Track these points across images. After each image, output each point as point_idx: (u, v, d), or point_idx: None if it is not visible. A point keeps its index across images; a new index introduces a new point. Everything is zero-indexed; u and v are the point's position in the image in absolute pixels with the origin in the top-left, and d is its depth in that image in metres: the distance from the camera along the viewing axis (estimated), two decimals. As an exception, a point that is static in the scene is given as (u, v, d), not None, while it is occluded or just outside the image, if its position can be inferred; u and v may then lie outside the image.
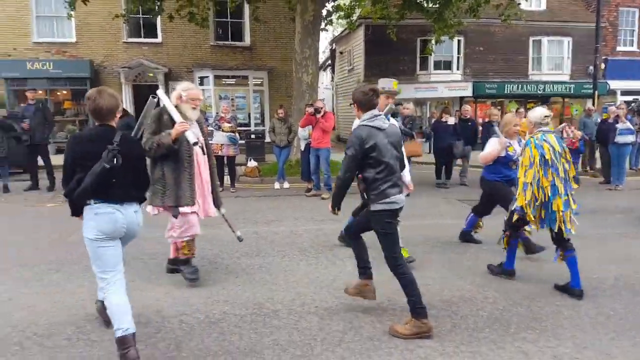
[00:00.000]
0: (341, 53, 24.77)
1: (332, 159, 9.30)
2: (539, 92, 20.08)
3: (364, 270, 3.79)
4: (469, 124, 10.61)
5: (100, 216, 2.97)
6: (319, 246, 5.58)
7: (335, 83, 26.96)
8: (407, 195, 4.20)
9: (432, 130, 11.01)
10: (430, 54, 17.63)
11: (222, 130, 9.10)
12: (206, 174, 4.33)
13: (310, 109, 8.94)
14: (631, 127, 10.11)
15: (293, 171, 10.91)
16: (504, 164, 5.13)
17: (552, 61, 20.72)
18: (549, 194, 3.97)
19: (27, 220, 7.05)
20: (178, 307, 3.79)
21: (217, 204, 4.41)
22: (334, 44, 26.96)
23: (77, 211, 3.09)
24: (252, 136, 15.14)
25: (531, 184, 4.01)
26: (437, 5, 13.04)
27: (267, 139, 12.73)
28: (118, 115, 3.39)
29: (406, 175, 4.39)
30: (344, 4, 14.86)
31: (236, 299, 3.98)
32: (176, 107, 4.08)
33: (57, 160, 11.42)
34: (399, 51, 18.72)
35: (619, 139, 9.90)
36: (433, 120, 13.81)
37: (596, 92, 15.21)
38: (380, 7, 13.61)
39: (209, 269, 4.73)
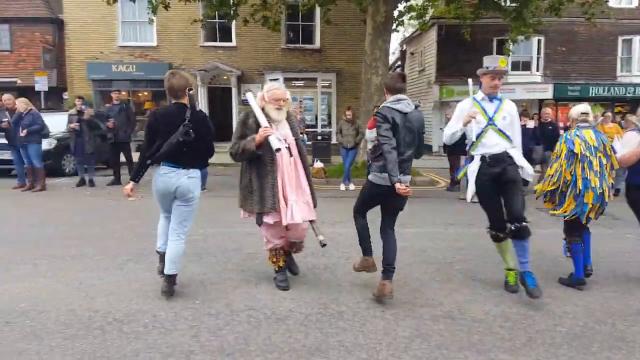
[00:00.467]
0: (412, 54, 24.40)
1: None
2: (628, 94, 18.72)
3: (368, 248, 4.21)
4: (550, 127, 10.03)
5: (160, 177, 3.82)
6: (386, 249, 5.49)
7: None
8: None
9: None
10: (508, 55, 16.92)
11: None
12: (294, 178, 4.02)
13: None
14: None
15: (359, 173, 10.87)
16: None
17: (644, 62, 19.25)
18: (580, 187, 4.06)
19: (110, 212, 7.53)
20: (246, 302, 3.88)
21: (314, 204, 4.18)
22: (404, 45, 26.61)
23: (137, 177, 3.94)
24: (319, 137, 15.30)
25: (552, 175, 4.23)
26: (516, 4, 12.49)
27: (334, 141, 12.81)
28: (189, 92, 3.90)
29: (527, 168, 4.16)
30: (417, 5, 14.62)
31: (302, 298, 4.01)
32: (263, 109, 3.93)
33: (137, 158, 12.13)
34: (474, 51, 18.10)
35: None
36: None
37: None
38: (455, 7, 13.26)
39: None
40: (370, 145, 9.44)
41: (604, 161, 4.12)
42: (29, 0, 18.95)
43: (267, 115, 3.89)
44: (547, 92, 18.87)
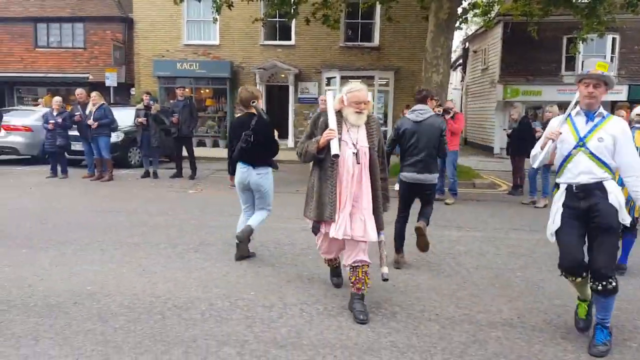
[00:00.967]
0: (475, 52, 23.68)
1: (458, 162, 8.91)
2: None
3: (402, 246, 4.90)
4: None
5: (238, 172, 4.77)
6: (442, 253, 5.36)
7: (466, 83, 25.87)
8: None
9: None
10: (578, 53, 16.05)
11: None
12: (353, 187, 3.54)
13: (439, 110, 8.65)
14: None
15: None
16: None
17: None
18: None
19: (172, 204, 7.83)
20: (299, 296, 3.91)
21: (377, 227, 3.59)
22: (466, 43, 25.89)
23: (231, 170, 4.92)
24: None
25: None
26: (589, 0, 11.80)
27: (391, 140, 12.68)
28: (252, 104, 4.78)
29: None
30: (482, 1, 14.15)
31: (355, 296, 3.98)
32: (339, 111, 3.57)
33: (198, 152, 12.60)
34: (541, 50, 17.35)
35: None
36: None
37: None
38: (522, 4, 12.72)
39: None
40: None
41: None
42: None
43: (345, 119, 3.55)
44: (621, 94, 17.72)
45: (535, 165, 3.48)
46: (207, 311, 3.57)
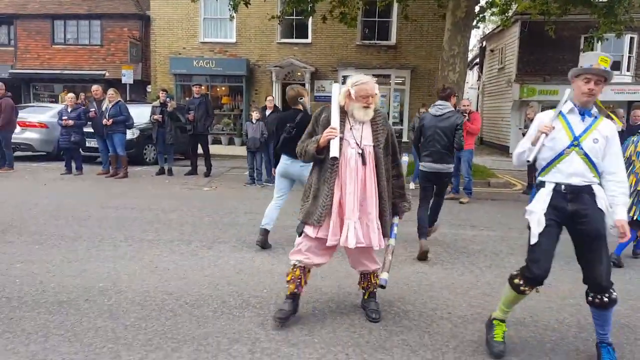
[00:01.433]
0: (492, 51, 23.42)
1: (473, 161, 8.82)
2: None
3: (425, 233, 5.16)
4: (640, 131, 9.25)
5: (281, 164, 5.06)
6: (455, 252, 5.33)
7: (483, 82, 25.61)
8: None
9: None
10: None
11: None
12: (359, 191, 3.23)
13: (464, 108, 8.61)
14: None
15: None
16: None
17: None
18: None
19: (186, 201, 7.89)
20: (311, 295, 3.90)
21: (384, 232, 3.34)
22: (483, 42, 25.63)
23: (276, 163, 5.17)
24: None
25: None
26: (607, -1, 11.60)
27: (405, 138, 12.60)
28: (300, 100, 5.20)
29: None
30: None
31: (367, 295, 3.97)
32: (343, 106, 3.28)
33: (213, 149, 12.67)
34: (559, 49, 17.10)
35: None
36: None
37: None
38: (540, 2, 12.54)
39: (342, 259, 4.79)
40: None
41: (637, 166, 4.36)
42: (119, -4, 20.27)
43: (349, 115, 3.27)
44: (639, 94, 17.41)
45: (517, 164, 3.23)
46: (219, 308, 3.59)
